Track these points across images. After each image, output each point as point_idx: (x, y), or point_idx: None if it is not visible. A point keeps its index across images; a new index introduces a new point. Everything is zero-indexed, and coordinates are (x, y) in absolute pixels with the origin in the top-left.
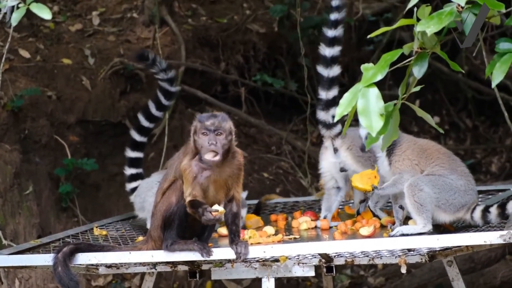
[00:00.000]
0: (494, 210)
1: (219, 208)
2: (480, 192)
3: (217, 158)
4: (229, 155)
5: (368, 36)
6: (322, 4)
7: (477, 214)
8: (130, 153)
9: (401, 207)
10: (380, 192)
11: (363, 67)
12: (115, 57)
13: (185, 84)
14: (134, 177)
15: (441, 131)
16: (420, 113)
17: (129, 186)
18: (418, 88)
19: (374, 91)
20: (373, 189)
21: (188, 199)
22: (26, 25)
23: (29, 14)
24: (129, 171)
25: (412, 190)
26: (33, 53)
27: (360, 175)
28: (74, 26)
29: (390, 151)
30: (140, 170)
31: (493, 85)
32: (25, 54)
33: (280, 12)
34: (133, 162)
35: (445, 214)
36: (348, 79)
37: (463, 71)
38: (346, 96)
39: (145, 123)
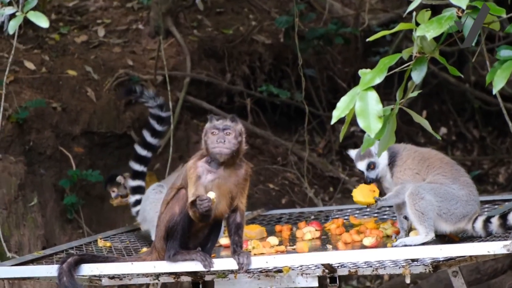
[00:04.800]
0: (495, 221)
1: (211, 195)
2: (486, 202)
3: (226, 150)
4: (237, 158)
5: (367, 40)
6: (328, 15)
7: (479, 224)
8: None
9: (406, 218)
10: (383, 204)
11: (361, 72)
12: (120, 69)
13: (191, 95)
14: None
15: (438, 137)
16: (418, 119)
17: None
18: (415, 94)
19: (373, 95)
20: (376, 201)
21: (190, 199)
22: (32, 37)
23: (34, 25)
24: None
25: (413, 199)
26: (38, 65)
27: (360, 189)
28: (79, 38)
29: (392, 162)
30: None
31: (494, 91)
32: (30, 65)
33: (285, 23)
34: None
35: (446, 224)
36: None
37: (462, 76)
38: (344, 99)
39: (142, 152)
